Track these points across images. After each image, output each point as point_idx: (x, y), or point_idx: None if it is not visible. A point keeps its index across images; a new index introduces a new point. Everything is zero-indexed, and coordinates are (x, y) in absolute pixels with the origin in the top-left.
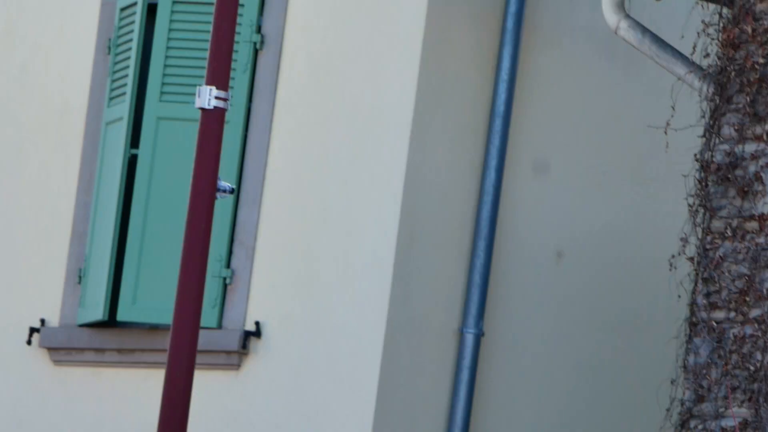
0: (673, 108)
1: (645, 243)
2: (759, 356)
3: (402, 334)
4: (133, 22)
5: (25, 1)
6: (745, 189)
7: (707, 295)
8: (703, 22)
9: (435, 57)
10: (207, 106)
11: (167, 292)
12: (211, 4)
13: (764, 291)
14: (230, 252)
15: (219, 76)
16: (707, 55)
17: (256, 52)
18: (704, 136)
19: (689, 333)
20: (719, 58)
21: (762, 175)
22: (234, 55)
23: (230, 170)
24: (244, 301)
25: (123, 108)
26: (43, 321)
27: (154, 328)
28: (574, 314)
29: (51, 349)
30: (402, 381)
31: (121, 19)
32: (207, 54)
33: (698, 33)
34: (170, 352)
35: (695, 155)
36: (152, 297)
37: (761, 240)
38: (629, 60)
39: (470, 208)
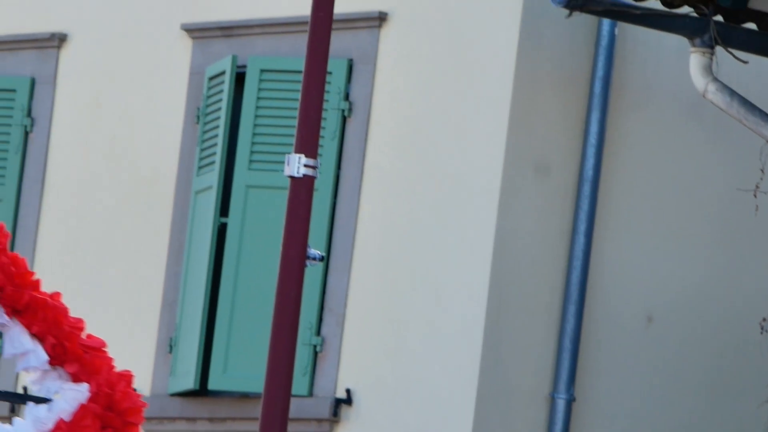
0: (762, 171)
1: (734, 305)
2: None
3: (493, 400)
4: (221, 91)
5: (114, 71)
6: None
7: None
8: None
9: (523, 121)
10: (296, 174)
11: (258, 361)
12: (299, 72)
13: None
14: (320, 319)
15: (308, 144)
16: None
17: (344, 119)
18: None
19: None
20: None
21: None
22: (322, 123)
23: (319, 238)
24: (335, 368)
25: (212, 177)
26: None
27: (245, 396)
28: (664, 378)
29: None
30: None
31: (209, 89)
32: (295, 122)
33: None
34: (262, 420)
35: None
36: (243, 365)
37: None
38: (717, 122)
39: (560, 272)
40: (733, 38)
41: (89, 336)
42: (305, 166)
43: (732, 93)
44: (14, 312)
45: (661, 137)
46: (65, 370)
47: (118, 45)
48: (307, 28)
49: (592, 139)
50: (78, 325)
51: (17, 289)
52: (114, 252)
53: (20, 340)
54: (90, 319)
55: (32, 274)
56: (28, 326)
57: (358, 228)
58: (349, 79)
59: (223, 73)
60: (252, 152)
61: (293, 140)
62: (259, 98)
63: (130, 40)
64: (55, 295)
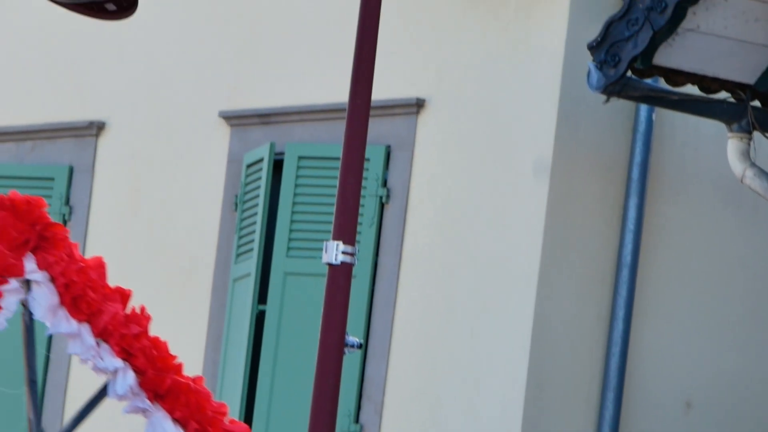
0: None
1: None
2: None
3: None
4: (259, 178)
5: (152, 159)
6: None
7: None
8: None
9: (561, 207)
10: (334, 262)
11: None
12: (337, 159)
13: None
14: (359, 407)
15: (346, 231)
16: None
17: (382, 205)
18: None
19: None
20: None
21: None
22: (360, 209)
23: (358, 325)
24: None
25: (250, 264)
26: None
27: None
28: None
29: None
30: None
31: (247, 176)
32: (333, 208)
33: None
34: None
35: None
36: None
37: None
38: (756, 208)
39: (598, 358)
40: None
41: (232, 421)
42: (343, 253)
43: None
44: (156, 396)
45: (698, 222)
46: None
47: (156, 132)
48: (345, 115)
49: (630, 225)
50: (221, 409)
51: (159, 373)
52: None
53: (163, 425)
54: None
55: (174, 357)
56: (170, 411)
57: (397, 314)
58: (386, 166)
59: (261, 160)
60: (290, 239)
61: (331, 227)
62: (297, 185)
63: (167, 127)
64: (198, 380)
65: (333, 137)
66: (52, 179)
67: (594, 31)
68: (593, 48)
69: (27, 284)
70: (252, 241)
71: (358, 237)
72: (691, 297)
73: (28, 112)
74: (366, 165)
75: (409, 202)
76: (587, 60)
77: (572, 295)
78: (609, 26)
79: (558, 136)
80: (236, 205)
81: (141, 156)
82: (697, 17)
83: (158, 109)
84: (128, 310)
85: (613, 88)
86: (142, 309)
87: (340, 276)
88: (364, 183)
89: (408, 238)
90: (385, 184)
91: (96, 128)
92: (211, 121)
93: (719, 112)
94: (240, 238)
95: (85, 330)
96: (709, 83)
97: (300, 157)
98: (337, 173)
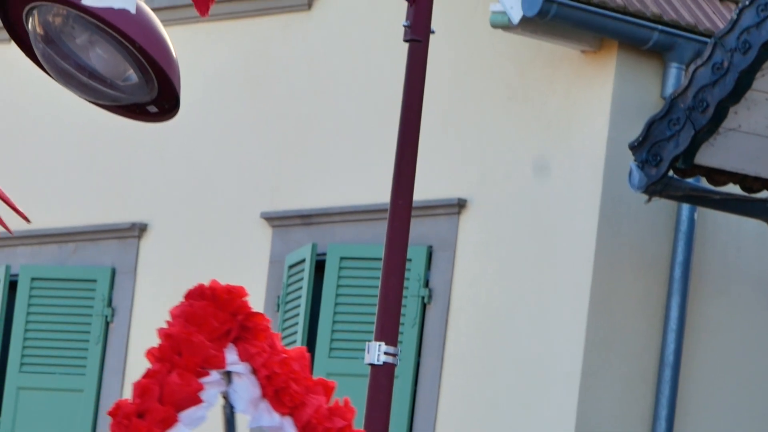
0: None
1: None
2: None
3: None
4: (301, 279)
5: (194, 260)
6: None
7: None
8: None
9: (603, 306)
10: (376, 362)
11: None
12: (379, 259)
13: None
14: None
15: (388, 332)
16: None
17: (424, 306)
18: None
19: None
20: None
21: None
22: (402, 310)
23: (400, 425)
24: None
25: None
26: None
27: None
28: None
29: None
30: None
31: (289, 276)
32: (375, 309)
33: None
34: None
35: None
36: None
37: None
38: None
39: None
40: None
41: None
42: (385, 353)
43: None
44: None
45: (741, 321)
46: None
47: (198, 234)
48: (387, 215)
49: (673, 324)
50: None
51: None
52: None
53: None
54: None
55: None
56: None
57: (439, 415)
58: (428, 266)
59: (303, 261)
60: (332, 340)
61: (373, 327)
62: (339, 285)
63: (209, 228)
64: None
65: (375, 237)
66: (94, 281)
67: (635, 131)
68: (635, 148)
69: (228, 376)
70: (294, 342)
71: (400, 337)
72: (733, 396)
73: (71, 213)
74: (408, 265)
75: (451, 303)
76: (629, 159)
77: (615, 395)
78: (650, 126)
79: (600, 235)
80: (278, 305)
81: (183, 257)
82: (739, 116)
83: (200, 210)
84: (331, 403)
85: (655, 188)
86: (346, 402)
87: (382, 376)
88: (406, 283)
89: (450, 338)
90: (427, 284)
91: (138, 230)
92: (252, 222)
93: (761, 212)
94: (282, 339)
95: (288, 423)
96: (751, 182)
97: (342, 258)
98: (379, 273)
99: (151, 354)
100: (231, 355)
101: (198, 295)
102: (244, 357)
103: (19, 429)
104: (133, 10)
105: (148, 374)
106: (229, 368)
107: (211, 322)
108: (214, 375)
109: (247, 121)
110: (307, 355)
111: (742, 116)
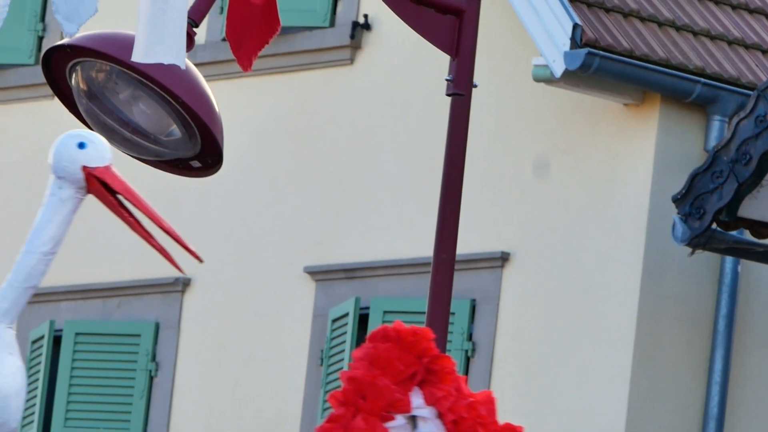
0: None
1: None
2: None
3: None
4: (345, 333)
5: (238, 314)
6: None
7: None
8: None
9: (647, 359)
10: None
11: None
12: (422, 313)
13: None
14: None
15: None
16: None
17: (467, 359)
18: None
19: None
20: None
21: None
22: None
23: None
24: None
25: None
26: None
27: None
28: None
29: None
30: None
31: (333, 330)
32: None
33: None
34: None
35: None
36: None
37: None
38: None
39: None
40: None
41: None
42: None
43: None
44: None
45: None
46: None
47: (242, 288)
48: (430, 269)
49: (717, 377)
50: None
51: None
52: None
53: None
54: None
55: None
56: None
57: None
58: (472, 319)
59: (346, 314)
60: None
61: None
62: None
63: (253, 282)
64: None
65: (418, 291)
66: (138, 336)
67: (678, 184)
68: (678, 200)
69: (413, 420)
70: None
71: None
72: None
73: (114, 269)
74: (451, 319)
75: (495, 356)
76: (672, 212)
77: None
78: (693, 179)
79: (643, 288)
80: (322, 360)
81: (226, 312)
82: None
83: (243, 264)
84: None
85: (699, 241)
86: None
87: None
88: (449, 337)
89: (494, 391)
90: (470, 337)
91: (182, 284)
92: (296, 276)
93: None
94: (326, 393)
95: None
96: None
97: (385, 312)
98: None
99: (334, 398)
100: (417, 399)
101: (382, 337)
102: (430, 401)
103: None
104: (183, 66)
105: (331, 419)
106: (414, 412)
107: (396, 364)
108: (400, 419)
109: (290, 175)
110: (494, 398)
111: None
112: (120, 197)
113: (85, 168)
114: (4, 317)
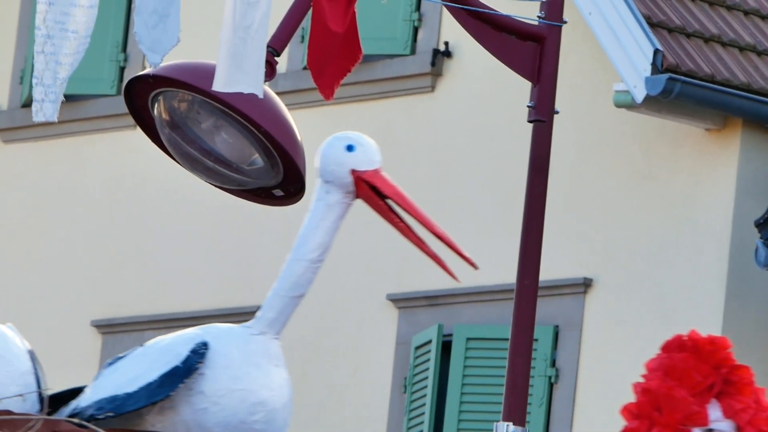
0: None
1: None
2: None
3: None
4: (428, 360)
5: (322, 342)
6: None
7: None
8: None
9: None
10: None
11: None
12: (505, 339)
13: None
14: None
15: (515, 412)
16: None
17: (551, 385)
18: None
19: None
20: None
21: None
22: (529, 390)
23: None
24: None
25: None
26: None
27: None
28: None
29: None
30: None
31: (416, 358)
32: (503, 389)
33: None
34: None
35: None
36: None
37: None
38: None
39: None
40: None
41: None
42: None
43: None
44: None
45: None
46: None
47: (324, 317)
48: (513, 296)
49: None
50: None
51: None
52: None
53: None
54: None
55: None
56: None
57: None
58: (555, 346)
59: (429, 342)
60: (459, 420)
61: (501, 408)
62: (465, 366)
63: (336, 310)
64: None
65: (501, 318)
66: None
67: (761, 208)
68: (760, 225)
69: None
70: (422, 422)
71: (527, 417)
72: None
73: (197, 298)
74: (534, 345)
75: (579, 382)
76: (754, 237)
77: None
78: None
79: (727, 313)
80: (405, 387)
81: (310, 341)
82: None
83: (327, 293)
84: None
85: None
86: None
87: None
88: (532, 363)
89: (578, 418)
90: (553, 364)
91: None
92: (379, 304)
93: None
94: (409, 420)
95: None
96: None
97: (468, 339)
98: (506, 354)
99: (627, 410)
100: (714, 412)
101: (677, 346)
102: (728, 413)
103: None
104: (261, 95)
105: None
106: (712, 426)
107: (692, 375)
108: None
109: None
110: None
111: None
112: (390, 202)
113: (353, 172)
114: (269, 328)
